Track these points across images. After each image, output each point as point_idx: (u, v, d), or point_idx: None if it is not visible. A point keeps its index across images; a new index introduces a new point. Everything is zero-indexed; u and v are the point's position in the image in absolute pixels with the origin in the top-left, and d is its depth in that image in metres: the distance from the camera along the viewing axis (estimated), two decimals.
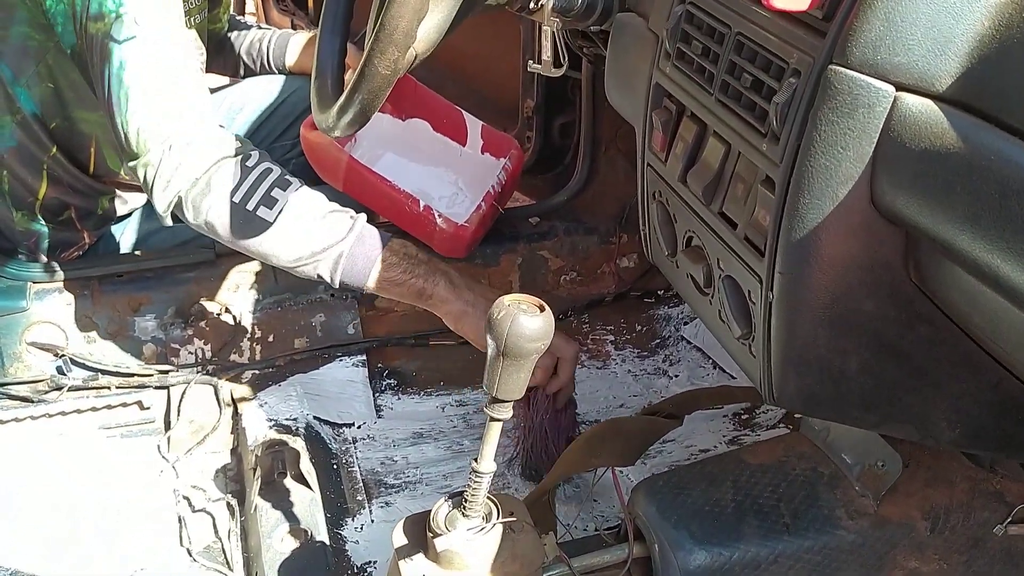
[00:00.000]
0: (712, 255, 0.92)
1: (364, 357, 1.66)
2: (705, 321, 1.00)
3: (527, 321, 0.86)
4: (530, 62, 1.17)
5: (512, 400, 0.91)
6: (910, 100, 0.68)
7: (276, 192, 1.28)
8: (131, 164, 1.31)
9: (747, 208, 0.83)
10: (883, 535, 1.05)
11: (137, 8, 1.26)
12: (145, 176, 1.29)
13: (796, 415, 1.50)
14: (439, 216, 1.56)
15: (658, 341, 1.78)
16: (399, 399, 1.65)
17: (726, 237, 0.88)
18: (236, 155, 1.28)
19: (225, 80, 1.89)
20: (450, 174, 1.71)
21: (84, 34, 1.30)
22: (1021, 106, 0.63)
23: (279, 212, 1.28)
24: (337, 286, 1.32)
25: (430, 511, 0.99)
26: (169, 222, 1.34)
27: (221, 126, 1.33)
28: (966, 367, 0.85)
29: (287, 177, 1.30)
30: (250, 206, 1.28)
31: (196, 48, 1.34)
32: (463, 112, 1.70)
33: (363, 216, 1.33)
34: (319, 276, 1.31)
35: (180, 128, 1.27)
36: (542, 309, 0.88)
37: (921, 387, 0.85)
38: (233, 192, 1.27)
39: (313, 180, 1.45)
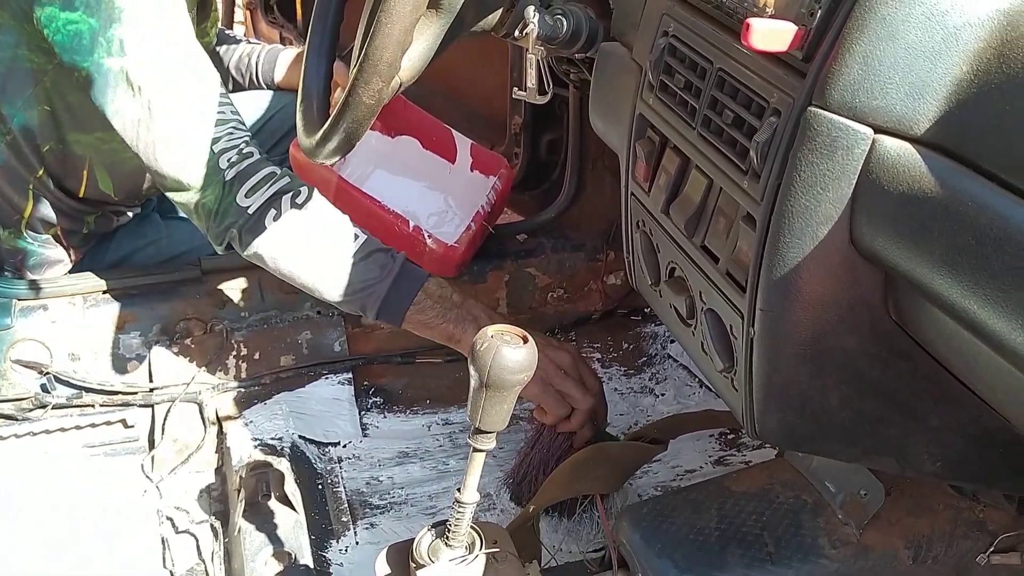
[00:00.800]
0: (695, 287, 0.92)
1: (350, 375, 1.66)
2: (688, 352, 1.00)
3: (510, 353, 0.86)
4: (515, 89, 1.17)
5: (495, 432, 0.91)
6: (888, 143, 0.68)
7: (324, 230, 1.32)
8: (178, 198, 1.33)
9: (729, 243, 0.83)
10: (866, 564, 1.05)
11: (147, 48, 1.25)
12: (198, 211, 1.32)
13: None
14: (429, 237, 1.56)
15: (645, 359, 1.79)
16: (385, 417, 1.65)
17: (708, 271, 0.88)
18: (288, 191, 1.30)
19: None
20: (440, 192, 1.71)
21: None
22: (998, 151, 0.63)
23: (327, 250, 1.32)
24: (373, 320, 1.36)
25: (413, 540, 0.98)
26: (221, 252, 1.38)
27: (266, 156, 1.34)
28: (946, 401, 0.85)
29: (335, 212, 1.34)
30: (301, 243, 1.31)
31: (213, 71, 1.34)
32: (452, 131, 1.70)
33: (403, 255, 1.35)
34: (357, 311, 1.36)
35: (223, 162, 1.29)
36: (525, 340, 0.88)
37: (902, 421, 0.85)
38: (288, 230, 1.30)
39: None
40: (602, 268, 1.82)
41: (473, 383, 0.89)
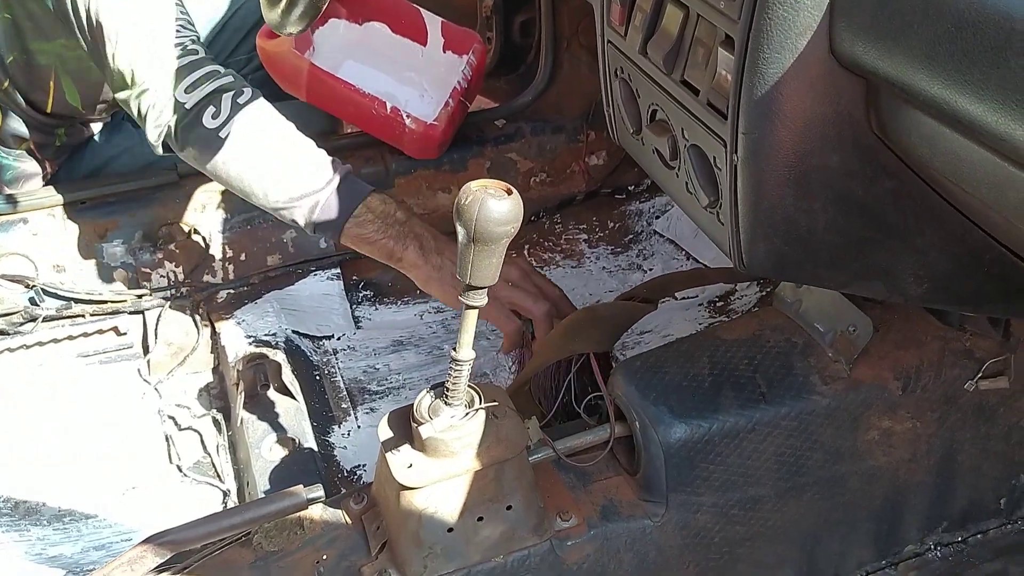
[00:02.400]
0: (676, 126, 0.92)
1: (339, 271, 1.66)
2: (673, 196, 1.00)
3: (495, 205, 0.86)
4: None
5: (486, 286, 0.91)
6: None
7: (263, 133, 1.28)
8: (122, 96, 1.30)
9: (708, 72, 0.82)
10: (856, 397, 1.08)
11: None
12: (139, 108, 1.28)
13: (769, 298, 1.52)
14: (407, 117, 1.53)
15: (631, 236, 1.79)
16: (376, 309, 1.66)
17: (689, 105, 0.87)
18: (229, 90, 1.27)
19: None
20: (413, 76, 1.68)
21: None
22: None
23: (265, 153, 1.28)
24: (311, 233, 1.33)
25: (413, 403, 1.00)
26: (160, 151, 1.33)
27: (212, 57, 1.31)
28: (931, 220, 0.86)
29: (278, 117, 1.30)
30: (236, 144, 1.27)
31: None
32: (421, 10, 1.66)
33: (348, 167, 1.32)
34: (294, 221, 1.31)
35: (170, 60, 1.25)
36: (509, 192, 0.87)
37: (887, 242, 0.86)
38: (221, 128, 1.26)
39: (274, 94, 1.43)
40: (583, 149, 1.81)
41: (460, 239, 0.89)
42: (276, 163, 1.28)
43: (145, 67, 1.26)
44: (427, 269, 1.32)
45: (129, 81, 1.27)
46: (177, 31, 1.27)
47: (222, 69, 1.29)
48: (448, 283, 1.30)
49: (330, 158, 1.31)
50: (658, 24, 0.89)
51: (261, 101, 1.30)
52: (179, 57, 1.26)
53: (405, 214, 1.34)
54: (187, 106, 1.25)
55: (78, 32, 1.29)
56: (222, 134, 1.26)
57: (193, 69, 1.26)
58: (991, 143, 0.62)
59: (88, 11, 1.25)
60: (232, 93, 1.27)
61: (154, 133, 1.29)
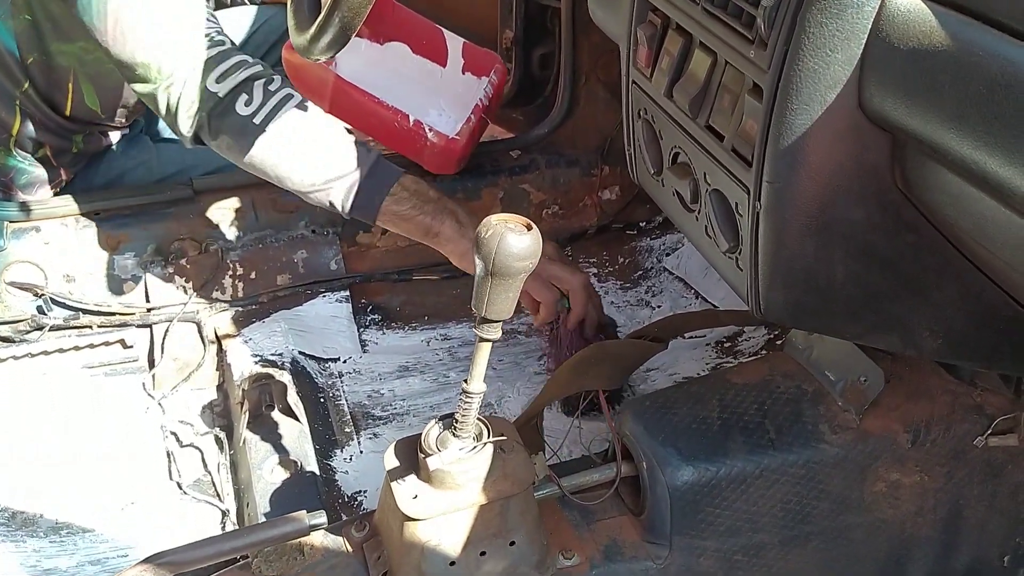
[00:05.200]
0: (699, 170, 0.92)
1: (347, 293, 1.66)
2: (691, 238, 1.00)
3: (515, 240, 0.86)
4: None
5: (501, 320, 0.91)
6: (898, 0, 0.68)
7: (296, 117, 1.29)
8: (145, 89, 1.29)
9: (734, 119, 0.83)
10: (865, 448, 1.07)
11: None
12: (167, 101, 1.29)
13: (778, 342, 1.52)
14: (430, 131, 1.54)
15: (640, 272, 1.79)
16: (383, 334, 1.65)
17: (713, 150, 0.87)
18: (260, 78, 1.28)
19: None
20: (433, 97, 1.69)
21: None
22: (1006, 2, 0.63)
23: (299, 136, 1.29)
24: (347, 215, 1.34)
25: (421, 434, 0.99)
26: (190, 144, 1.34)
27: (236, 46, 1.32)
28: (950, 276, 0.86)
29: (307, 103, 1.31)
30: (270, 129, 1.28)
31: None
32: (443, 30, 1.67)
33: (378, 151, 1.34)
34: (331, 203, 1.33)
35: (199, 50, 1.26)
36: (529, 228, 0.88)
37: (905, 296, 0.86)
38: (254, 115, 1.27)
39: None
40: (597, 183, 1.82)
41: (478, 272, 0.89)
42: (312, 145, 1.30)
43: (172, 58, 1.26)
44: (463, 243, 1.34)
45: (155, 74, 1.27)
46: (204, 23, 1.29)
47: (250, 58, 1.31)
48: None
49: (362, 141, 1.33)
50: (685, 68, 0.90)
51: (291, 88, 1.31)
52: (207, 48, 1.27)
53: (437, 193, 1.36)
54: (220, 95, 1.27)
55: (96, 22, 1.27)
56: (256, 120, 1.27)
57: (222, 59, 1.28)
58: (1018, 205, 0.62)
59: (108, 5, 1.26)
60: (263, 80, 1.28)
61: (187, 124, 1.30)
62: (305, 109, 1.31)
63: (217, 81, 1.26)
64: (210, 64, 1.27)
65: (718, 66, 0.85)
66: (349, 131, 1.70)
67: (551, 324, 1.42)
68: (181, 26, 1.27)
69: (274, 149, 1.29)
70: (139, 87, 1.30)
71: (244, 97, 1.26)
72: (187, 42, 1.27)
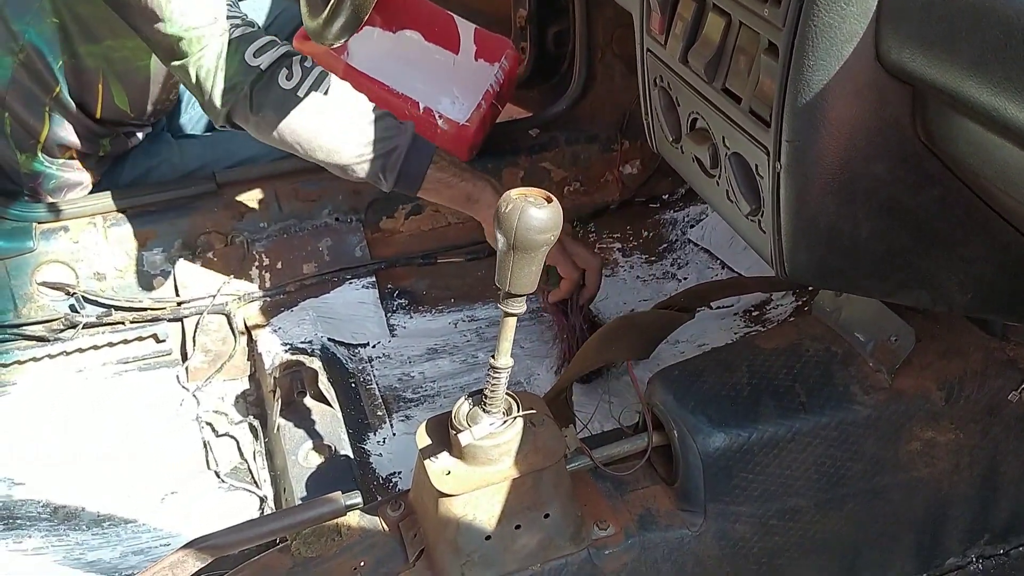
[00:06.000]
0: (717, 134, 0.92)
1: (373, 279, 1.67)
2: (713, 204, 1.00)
3: (536, 213, 0.86)
4: None
5: (525, 294, 0.91)
6: None
7: (337, 90, 1.31)
8: (178, 63, 1.30)
9: (751, 80, 0.82)
10: (898, 408, 1.06)
11: None
12: (197, 72, 1.29)
13: (806, 309, 1.51)
14: (440, 117, 1.55)
15: (665, 245, 1.78)
16: (411, 317, 1.66)
17: (731, 113, 0.87)
18: (295, 54, 1.30)
19: None
20: (445, 85, 1.69)
21: None
22: None
23: (342, 108, 1.31)
24: (390, 186, 1.35)
25: (451, 411, 1.00)
26: (221, 120, 1.34)
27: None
28: (977, 229, 0.85)
29: (339, 80, 1.32)
30: (314, 102, 1.29)
31: None
32: (455, 17, 1.67)
33: (410, 123, 1.35)
34: (374, 175, 1.34)
35: (228, 24, 1.27)
36: (549, 201, 0.88)
37: (932, 251, 0.85)
38: (297, 87, 1.28)
39: None
40: (617, 158, 1.81)
41: (500, 247, 0.89)
42: (356, 118, 1.31)
43: (205, 30, 1.27)
44: None
45: (187, 47, 1.28)
46: (229, 6, 1.30)
47: (279, 39, 1.32)
48: None
49: (391, 114, 1.35)
50: (699, 32, 0.89)
51: (318, 65, 1.32)
52: (241, 25, 1.29)
53: (468, 164, 1.38)
54: (262, 67, 1.27)
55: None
56: (300, 93, 1.28)
57: (255, 37, 1.29)
58: None
59: None
60: (299, 57, 1.30)
61: (222, 99, 1.29)
62: (343, 83, 1.33)
63: (255, 55, 1.27)
64: (246, 40, 1.28)
65: (732, 27, 0.84)
66: None
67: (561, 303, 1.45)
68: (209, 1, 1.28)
69: (319, 121, 1.30)
70: (172, 62, 1.31)
71: (285, 71, 1.28)
72: (219, 14, 1.27)
